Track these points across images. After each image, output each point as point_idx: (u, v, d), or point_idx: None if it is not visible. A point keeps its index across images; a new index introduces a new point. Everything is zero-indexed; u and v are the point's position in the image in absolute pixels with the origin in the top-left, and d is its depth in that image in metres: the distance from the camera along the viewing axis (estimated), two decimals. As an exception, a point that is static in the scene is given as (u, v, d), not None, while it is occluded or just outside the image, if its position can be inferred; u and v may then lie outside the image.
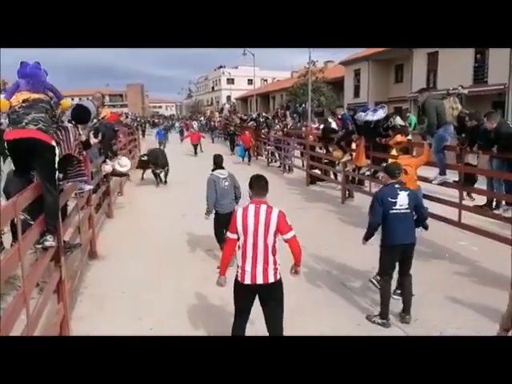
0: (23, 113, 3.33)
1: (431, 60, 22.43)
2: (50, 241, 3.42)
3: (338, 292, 5.19)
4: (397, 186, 4.50)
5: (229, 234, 3.52)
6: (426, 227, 4.75)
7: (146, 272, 5.80)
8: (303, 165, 14.03)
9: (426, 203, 7.18)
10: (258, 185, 3.45)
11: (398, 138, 7.99)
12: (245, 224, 3.32)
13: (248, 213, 3.33)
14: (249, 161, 17.17)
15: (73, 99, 29.70)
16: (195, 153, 20.81)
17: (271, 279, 3.34)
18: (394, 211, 4.35)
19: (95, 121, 6.68)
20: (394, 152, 7.98)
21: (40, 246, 3.38)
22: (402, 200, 4.38)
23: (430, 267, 5.82)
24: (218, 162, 6.26)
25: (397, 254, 4.44)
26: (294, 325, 4.02)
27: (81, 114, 4.55)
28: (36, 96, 3.42)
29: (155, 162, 12.21)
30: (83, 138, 4.76)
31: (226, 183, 6.11)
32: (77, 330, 4.09)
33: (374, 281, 4.74)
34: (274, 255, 3.38)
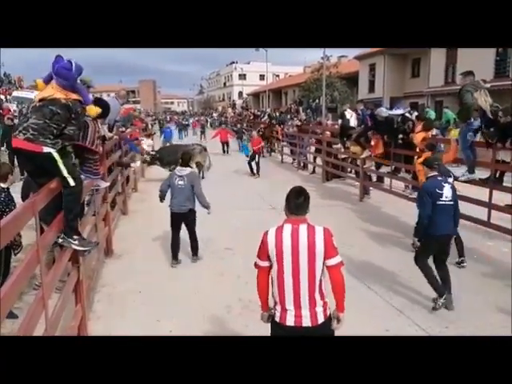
0: (24, 119, 3.28)
1: (450, 54, 21.91)
2: (75, 243, 3.32)
3: (363, 294, 5.00)
4: (439, 178, 4.58)
5: (258, 261, 2.76)
6: (456, 224, 4.71)
7: (162, 271, 5.69)
8: (315, 160, 13.85)
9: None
10: (297, 201, 2.66)
11: (422, 134, 7.73)
12: (279, 248, 2.58)
13: (283, 234, 2.60)
14: (257, 172, 13.55)
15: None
16: (223, 151, 19.26)
17: (321, 319, 2.61)
18: (441, 203, 4.42)
19: (118, 117, 6.64)
20: (418, 149, 7.70)
21: (62, 241, 3.29)
22: (447, 192, 4.45)
23: (458, 268, 5.61)
24: (183, 159, 6.15)
25: (437, 245, 4.53)
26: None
27: (101, 109, 4.46)
28: (57, 96, 3.26)
29: (161, 159, 12.12)
30: (102, 132, 4.66)
31: (181, 182, 5.84)
32: (95, 332, 3.98)
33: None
34: (321, 288, 2.64)
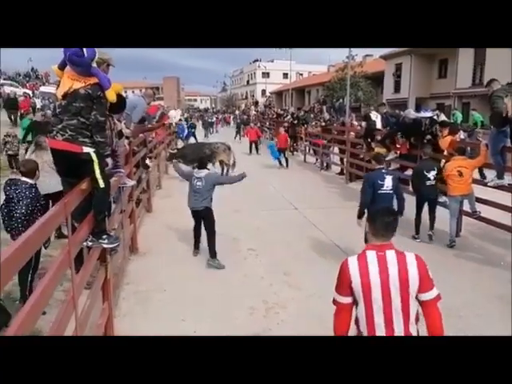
0: (56, 120, 3.25)
1: (478, 54, 21.38)
2: (105, 242, 3.38)
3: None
4: (383, 170, 5.54)
5: (338, 297, 2.35)
6: (401, 211, 5.40)
7: (187, 269, 5.73)
8: (342, 162, 13.70)
9: (480, 207, 6.81)
10: (383, 222, 2.29)
11: (449, 139, 7.55)
12: (365, 282, 2.20)
13: (368, 264, 2.21)
14: (286, 165, 14.76)
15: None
16: (250, 151, 18.69)
17: None
18: (382, 191, 5.31)
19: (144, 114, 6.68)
20: (446, 152, 7.53)
21: (92, 243, 3.34)
22: (388, 182, 5.34)
23: (485, 275, 5.48)
24: (199, 163, 6.55)
25: None
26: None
27: (116, 104, 4.41)
28: (75, 86, 3.18)
29: (185, 156, 12.11)
30: (119, 127, 4.66)
31: (199, 183, 6.07)
32: (121, 329, 4.04)
33: None
34: (416, 325, 2.29)
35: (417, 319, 2.29)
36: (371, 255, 2.23)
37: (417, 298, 2.24)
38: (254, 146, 18.81)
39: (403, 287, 2.17)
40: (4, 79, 33.05)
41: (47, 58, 3.61)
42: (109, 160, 3.36)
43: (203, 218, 6.13)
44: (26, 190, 4.28)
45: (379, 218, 2.31)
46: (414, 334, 2.26)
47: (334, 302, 2.39)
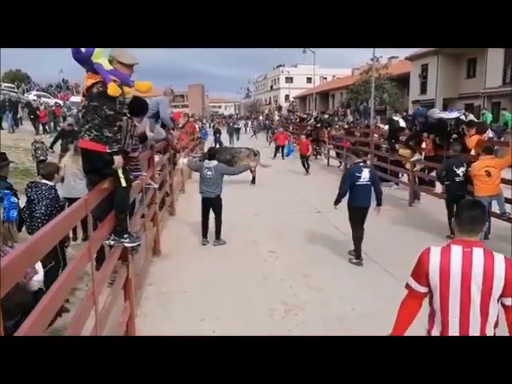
0: (83, 121, 3.38)
1: (508, 53, 20.73)
2: (126, 241, 3.45)
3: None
4: (361, 164, 6.01)
5: (412, 284, 2.31)
6: (380, 199, 6.07)
7: (208, 271, 5.76)
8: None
9: (509, 208, 6.58)
10: (470, 216, 2.17)
11: (476, 137, 7.35)
12: (445, 273, 2.13)
13: (451, 257, 2.13)
14: (307, 171, 14.38)
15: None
16: (274, 155, 18.32)
17: None
18: (359, 183, 5.78)
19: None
20: (473, 152, 7.32)
21: (114, 242, 3.42)
22: (365, 175, 5.82)
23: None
24: (210, 154, 7.30)
25: (358, 213, 5.93)
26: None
27: (136, 107, 4.49)
28: (90, 82, 3.27)
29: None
30: (139, 130, 4.74)
31: (209, 173, 6.77)
32: (142, 329, 4.11)
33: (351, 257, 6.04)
34: (494, 331, 2.20)
35: (496, 324, 2.19)
36: (456, 250, 2.15)
37: (500, 301, 2.14)
38: (280, 150, 18.63)
39: (486, 287, 2.08)
40: (37, 90, 34.39)
41: (78, 70, 3.66)
42: (118, 158, 3.36)
43: (214, 205, 6.85)
44: (46, 191, 4.43)
45: (465, 211, 2.20)
46: (491, 334, 2.18)
47: (407, 286, 2.34)
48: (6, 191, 4.04)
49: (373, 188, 5.94)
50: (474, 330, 2.15)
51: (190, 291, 5.14)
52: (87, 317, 2.55)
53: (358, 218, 5.96)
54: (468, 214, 2.17)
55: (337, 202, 6.02)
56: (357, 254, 5.97)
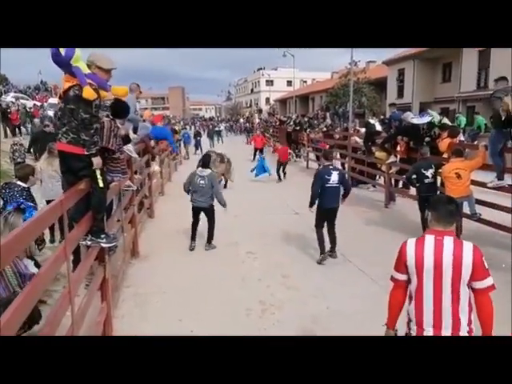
0: (60, 124, 3.39)
1: (482, 58, 21.37)
2: (103, 241, 3.47)
3: (385, 302, 4.92)
4: (331, 167, 6.16)
5: (394, 274, 2.57)
6: (346, 194, 6.30)
7: (186, 273, 5.79)
8: (343, 167, 13.74)
9: (480, 209, 6.81)
10: (445, 209, 2.41)
11: (448, 140, 7.60)
12: (419, 261, 2.36)
13: (425, 246, 2.37)
14: (280, 178, 13.56)
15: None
16: (254, 158, 17.98)
17: None
18: (328, 185, 5.99)
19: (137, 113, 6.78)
20: (445, 155, 7.55)
21: (91, 242, 3.43)
22: (334, 177, 6.03)
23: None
24: (204, 162, 6.91)
25: (326, 214, 6.15)
26: (343, 331, 3.83)
27: (119, 109, 4.52)
28: (67, 85, 3.31)
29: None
30: (122, 132, 4.76)
31: (202, 182, 6.60)
32: (120, 329, 4.12)
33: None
34: (468, 312, 2.38)
35: (470, 309, 2.38)
36: (429, 239, 2.38)
37: (470, 286, 2.34)
38: (258, 152, 18.25)
39: (456, 272, 2.28)
40: (15, 92, 33.68)
41: (57, 71, 3.66)
42: (96, 160, 3.40)
43: (206, 213, 6.72)
44: (17, 193, 4.42)
45: (442, 205, 2.43)
46: (465, 322, 2.35)
47: (392, 278, 2.61)
48: (29, 203, 4.03)
49: (342, 188, 6.19)
50: (447, 314, 2.34)
51: (168, 292, 5.16)
52: (63, 315, 2.57)
53: (324, 218, 6.18)
54: (445, 209, 2.41)
55: (311, 204, 6.19)
56: (320, 250, 6.15)
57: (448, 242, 2.33)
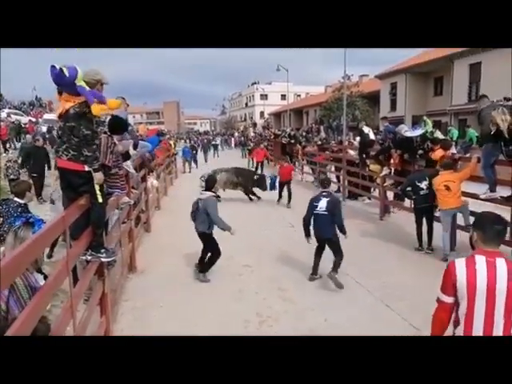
0: (60, 142, 3.48)
1: (473, 71, 21.80)
2: (103, 256, 3.52)
3: (381, 313, 4.98)
4: (323, 193, 5.83)
5: (441, 296, 2.43)
6: (343, 232, 5.78)
7: (183, 287, 5.82)
8: (338, 180, 13.86)
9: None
10: (493, 230, 2.30)
11: (439, 152, 7.74)
12: (471, 285, 2.24)
13: (476, 268, 2.25)
14: (289, 201, 11.79)
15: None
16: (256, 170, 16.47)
17: None
18: (316, 212, 5.71)
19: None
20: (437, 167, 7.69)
21: (91, 257, 3.48)
22: (322, 204, 5.69)
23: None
24: (207, 183, 6.26)
25: (320, 243, 5.88)
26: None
27: (116, 125, 4.62)
28: (66, 106, 3.39)
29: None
30: (120, 148, 4.84)
31: (200, 205, 6.01)
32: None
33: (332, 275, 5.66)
34: None
35: None
36: (480, 260, 2.26)
37: None
38: (259, 166, 18.02)
39: (510, 296, 2.19)
40: (9, 108, 33.73)
41: (51, 87, 3.74)
42: (98, 175, 3.50)
43: (202, 241, 6.16)
44: (13, 209, 4.47)
45: (490, 225, 2.31)
46: None
47: (437, 300, 2.47)
48: (38, 217, 4.08)
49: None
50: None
51: (165, 306, 5.18)
52: (65, 330, 2.60)
53: (319, 247, 5.93)
54: (493, 229, 2.29)
55: (306, 233, 5.88)
56: (313, 269, 5.98)
57: (501, 264, 2.22)
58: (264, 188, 12.29)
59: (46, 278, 3.51)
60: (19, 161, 11.95)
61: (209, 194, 6.04)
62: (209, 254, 6.15)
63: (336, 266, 5.67)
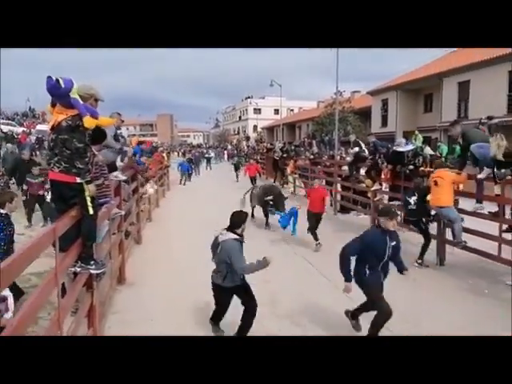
0: (51, 154, 3.48)
1: (462, 89, 22.21)
2: (92, 267, 3.49)
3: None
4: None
5: None
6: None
7: (173, 300, 5.75)
8: (330, 194, 13.91)
9: (465, 236, 6.94)
10: None
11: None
12: None
13: None
14: (317, 243, 8.70)
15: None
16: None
17: None
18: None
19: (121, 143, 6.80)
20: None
21: (80, 269, 3.45)
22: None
23: (469, 303, 5.57)
24: (232, 221, 4.54)
25: None
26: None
27: (96, 135, 4.59)
28: (59, 119, 3.41)
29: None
30: (100, 157, 4.82)
31: (218, 248, 4.49)
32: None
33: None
34: None
35: None
36: None
37: None
38: (253, 182, 17.73)
39: None
40: (2, 119, 33.53)
41: (45, 98, 3.75)
42: (91, 187, 3.52)
43: (214, 295, 4.72)
44: None
45: None
46: None
47: None
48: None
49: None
50: None
51: (155, 320, 5.11)
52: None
53: None
54: None
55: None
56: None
57: None
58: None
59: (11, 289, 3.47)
60: (3, 170, 11.87)
61: (231, 235, 4.44)
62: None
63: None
